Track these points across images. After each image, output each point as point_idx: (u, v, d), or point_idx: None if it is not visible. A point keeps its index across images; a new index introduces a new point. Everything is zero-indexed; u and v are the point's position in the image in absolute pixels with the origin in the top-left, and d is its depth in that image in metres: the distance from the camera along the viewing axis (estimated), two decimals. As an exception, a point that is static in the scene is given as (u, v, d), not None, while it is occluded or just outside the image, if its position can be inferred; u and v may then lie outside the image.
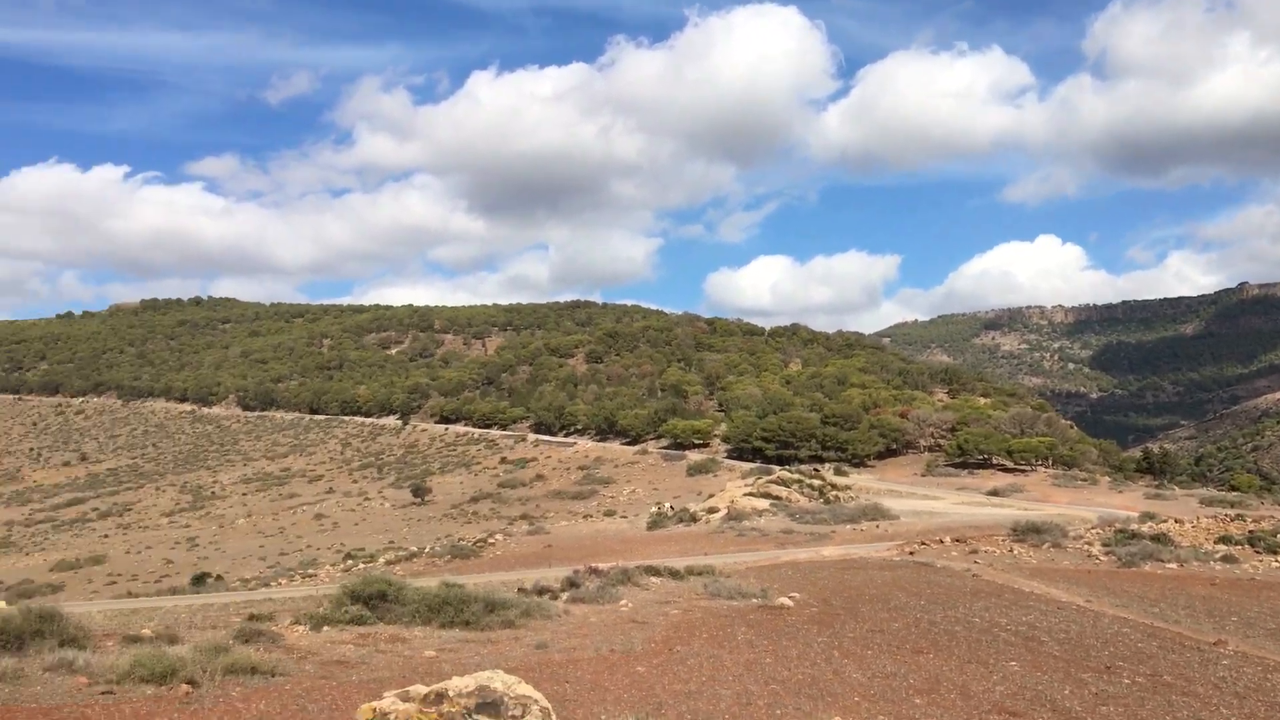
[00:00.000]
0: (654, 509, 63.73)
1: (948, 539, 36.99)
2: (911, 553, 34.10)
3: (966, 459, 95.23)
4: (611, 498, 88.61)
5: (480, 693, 7.49)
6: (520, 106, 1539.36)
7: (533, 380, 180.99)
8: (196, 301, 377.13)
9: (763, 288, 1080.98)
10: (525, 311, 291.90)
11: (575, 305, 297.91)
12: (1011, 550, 34.31)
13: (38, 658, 12.60)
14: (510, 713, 7.38)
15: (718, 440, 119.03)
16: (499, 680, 7.70)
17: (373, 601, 18.17)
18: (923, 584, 25.55)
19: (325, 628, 16.84)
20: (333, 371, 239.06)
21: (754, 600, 21.87)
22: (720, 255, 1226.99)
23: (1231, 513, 50.09)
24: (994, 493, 72.18)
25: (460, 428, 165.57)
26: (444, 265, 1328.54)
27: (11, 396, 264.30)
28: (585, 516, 73.32)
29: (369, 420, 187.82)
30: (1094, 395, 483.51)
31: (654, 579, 24.59)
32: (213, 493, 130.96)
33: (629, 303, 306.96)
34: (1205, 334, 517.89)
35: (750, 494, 60.37)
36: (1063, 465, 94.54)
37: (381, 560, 50.20)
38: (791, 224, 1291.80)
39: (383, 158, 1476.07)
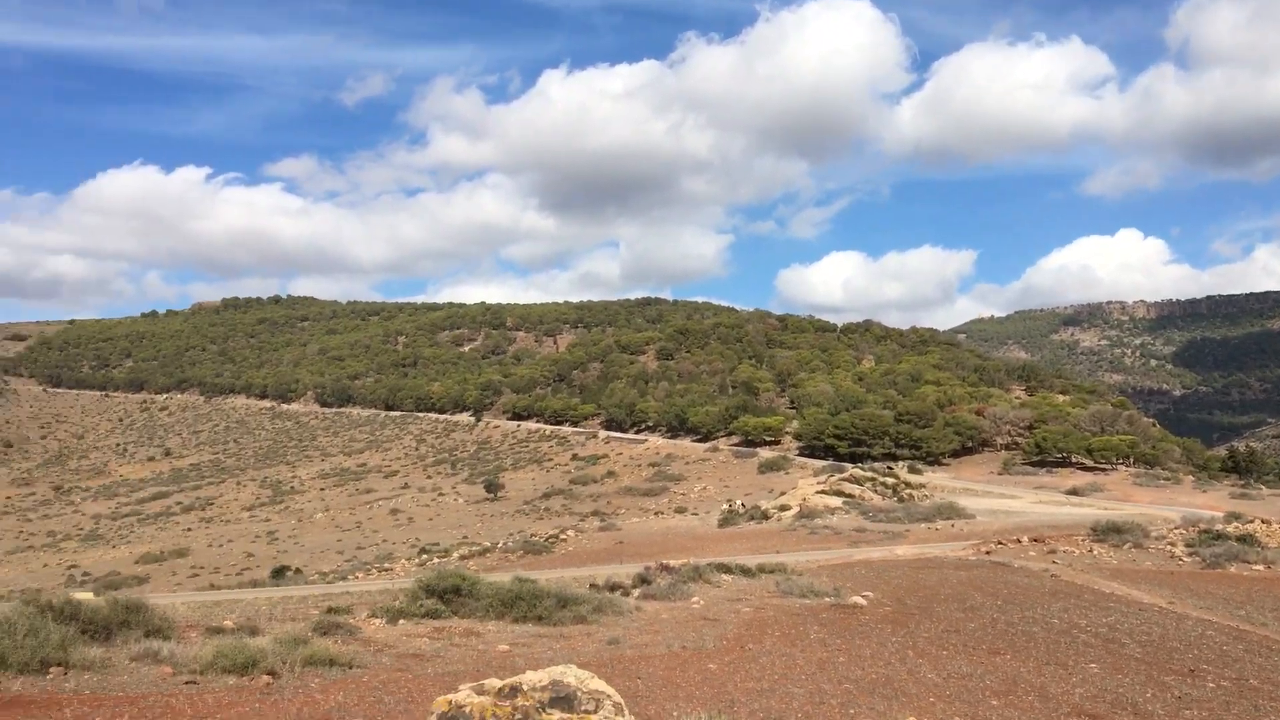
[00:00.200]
0: (725, 506, 63.57)
1: (1025, 538, 36.31)
2: (988, 552, 33.55)
3: (1044, 457, 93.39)
4: (682, 494, 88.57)
5: (554, 687, 7.54)
6: (591, 104, 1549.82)
7: (604, 377, 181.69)
8: (275, 300, 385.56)
9: (835, 284, 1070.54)
10: (596, 309, 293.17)
11: (646, 302, 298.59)
12: (1091, 550, 33.57)
13: (124, 647, 12.93)
14: (583, 707, 7.41)
15: (789, 438, 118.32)
16: (572, 675, 7.74)
17: (447, 596, 18.37)
18: (999, 584, 25.12)
19: (401, 621, 17.08)
20: (407, 369, 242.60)
21: (827, 599, 21.70)
22: (791, 251, 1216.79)
23: (1323, 514, 48.46)
24: (1073, 492, 70.79)
25: (532, 424, 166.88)
26: (516, 263, 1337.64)
27: (99, 393, 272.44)
28: (656, 513, 73.40)
29: (443, 417, 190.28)
30: (1177, 392, 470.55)
31: (725, 576, 24.50)
32: (292, 488, 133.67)
33: (699, 299, 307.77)
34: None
35: (822, 492, 59.93)
36: (1144, 464, 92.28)
37: (455, 555, 50.84)
38: (864, 219, 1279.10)
39: (456, 157, 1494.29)
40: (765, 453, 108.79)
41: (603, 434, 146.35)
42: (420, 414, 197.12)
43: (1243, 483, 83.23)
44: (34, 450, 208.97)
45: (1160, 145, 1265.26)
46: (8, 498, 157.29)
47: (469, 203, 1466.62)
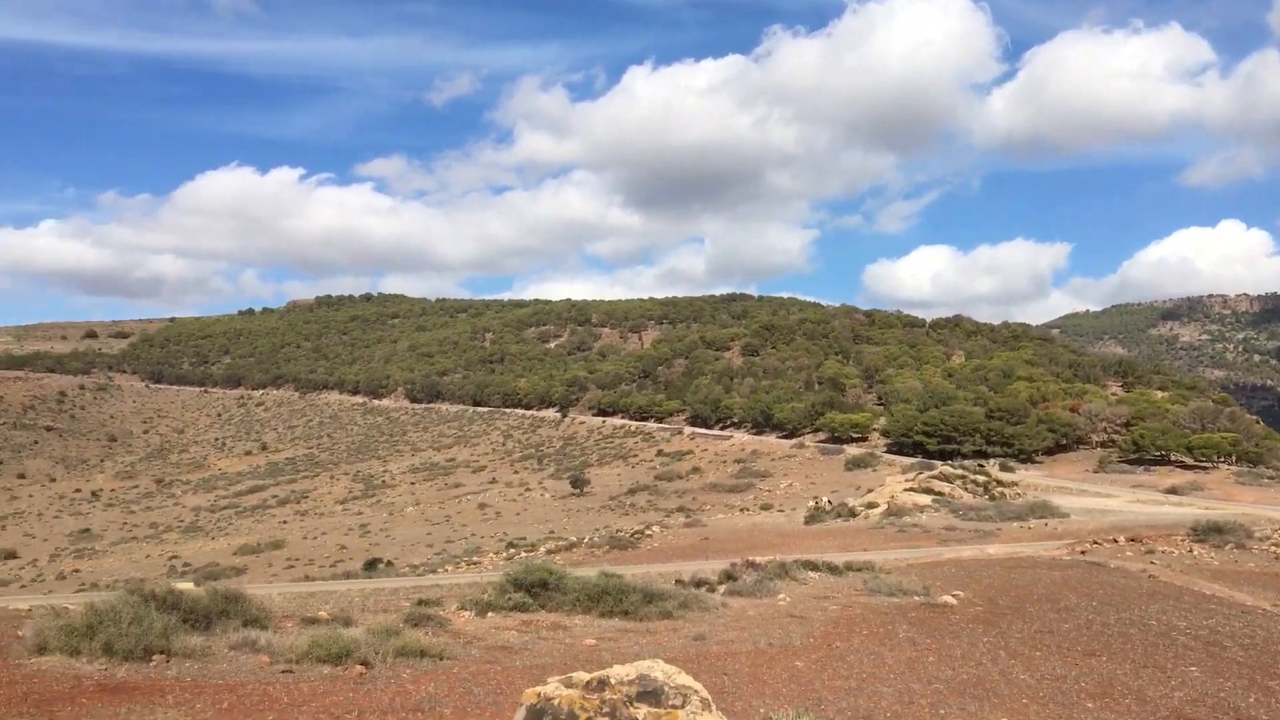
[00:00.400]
0: (811, 503, 63.08)
1: (1121, 538, 35.38)
2: (1083, 552, 32.75)
3: (1142, 455, 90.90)
4: (768, 491, 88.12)
5: (641, 681, 7.57)
6: (676, 100, 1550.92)
7: (688, 373, 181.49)
8: (367, 298, 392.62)
9: (923, 278, 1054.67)
10: (681, 304, 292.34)
11: (731, 298, 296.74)
12: (1191, 551, 32.57)
13: (224, 636, 13.34)
14: (670, 702, 7.43)
15: (876, 434, 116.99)
16: (659, 669, 7.76)
17: (534, 589, 18.55)
18: (1094, 584, 24.50)
19: (489, 614, 17.29)
20: (494, 365, 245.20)
21: (915, 598, 21.40)
22: (879, 246, 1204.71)
23: None
24: (1172, 490, 68.84)
25: (617, 420, 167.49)
26: (601, 259, 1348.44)
27: (198, 389, 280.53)
28: (741, 509, 73.16)
29: (529, 412, 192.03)
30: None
31: (812, 574, 24.31)
32: (383, 481, 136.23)
33: (785, 295, 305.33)
34: None
35: (911, 489, 59.09)
36: (1248, 462, 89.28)
37: (542, 549, 51.31)
38: (953, 213, 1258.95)
39: (542, 155, 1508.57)
40: (852, 449, 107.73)
41: (688, 430, 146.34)
42: (507, 410, 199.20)
43: (1354, 483, 79.91)
44: (137, 444, 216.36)
45: (1264, 133, 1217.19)
46: (112, 490, 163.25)
47: (555, 200, 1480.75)
